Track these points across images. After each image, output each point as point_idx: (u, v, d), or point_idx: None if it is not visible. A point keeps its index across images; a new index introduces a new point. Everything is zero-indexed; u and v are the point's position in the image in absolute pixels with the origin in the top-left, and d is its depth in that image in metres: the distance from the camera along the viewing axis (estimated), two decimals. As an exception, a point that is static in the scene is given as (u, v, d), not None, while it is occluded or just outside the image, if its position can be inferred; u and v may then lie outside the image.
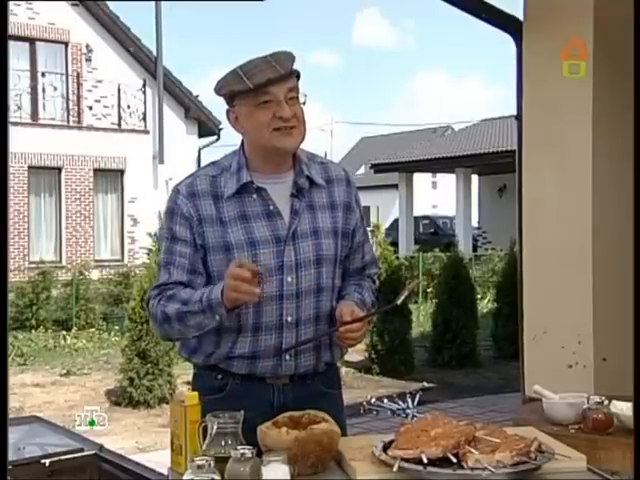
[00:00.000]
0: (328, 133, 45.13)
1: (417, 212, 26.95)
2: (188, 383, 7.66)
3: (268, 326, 2.15)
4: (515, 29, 4.79)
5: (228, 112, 2.21)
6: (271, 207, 2.17)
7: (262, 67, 2.10)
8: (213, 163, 2.28)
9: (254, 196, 2.17)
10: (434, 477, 1.67)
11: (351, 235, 2.28)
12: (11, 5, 15.75)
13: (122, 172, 18.64)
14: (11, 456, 1.94)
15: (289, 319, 2.16)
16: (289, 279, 2.15)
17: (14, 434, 2.16)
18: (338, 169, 2.33)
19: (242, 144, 2.25)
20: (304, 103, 2.19)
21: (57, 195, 17.98)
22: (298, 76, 2.19)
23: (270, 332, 2.16)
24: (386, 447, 1.80)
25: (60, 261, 17.32)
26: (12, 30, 15.97)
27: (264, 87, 2.09)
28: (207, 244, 2.15)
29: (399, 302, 2.26)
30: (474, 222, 26.31)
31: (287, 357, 2.17)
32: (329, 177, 2.28)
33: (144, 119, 18.92)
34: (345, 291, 2.29)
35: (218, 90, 2.17)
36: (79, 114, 18.24)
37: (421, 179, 31.85)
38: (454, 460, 1.69)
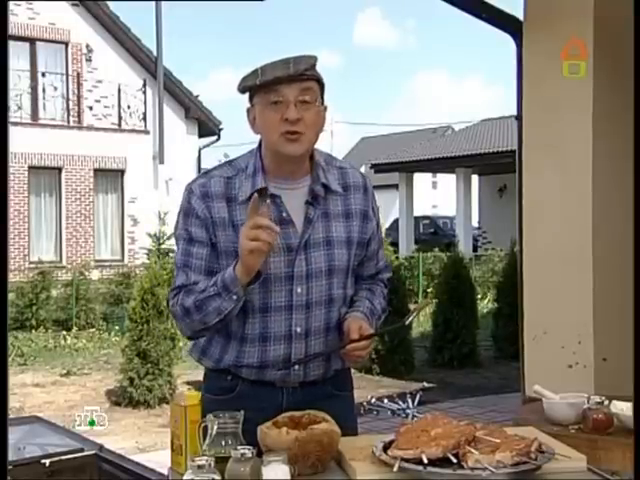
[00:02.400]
0: (328, 133, 45.10)
1: (417, 212, 26.96)
2: (188, 383, 7.72)
3: (277, 336, 2.12)
4: (515, 29, 4.79)
5: (248, 111, 2.17)
6: (284, 214, 2.12)
7: (276, 65, 2.06)
8: (229, 163, 2.22)
9: (268, 201, 2.10)
10: (434, 477, 1.67)
11: (366, 244, 2.24)
12: (11, 5, 15.75)
13: (122, 172, 18.64)
14: (11, 456, 1.94)
15: (298, 330, 2.13)
16: (299, 289, 2.12)
17: (14, 434, 2.16)
18: (356, 175, 2.26)
19: (259, 145, 2.20)
20: (325, 108, 2.15)
21: (57, 195, 17.98)
22: (320, 82, 2.13)
23: (279, 342, 2.13)
24: (386, 447, 1.80)
25: (60, 261, 17.33)
26: (12, 30, 15.97)
27: (273, 85, 2.06)
28: (219, 247, 2.12)
29: (407, 322, 2.26)
30: (474, 222, 26.32)
31: (296, 367, 2.15)
32: (346, 184, 2.22)
33: (144, 119, 18.92)
34: (356, 296, 2.26)
35: (237, 86, 2.14)
36: (79, 114, 18.24)
37: (421, 179, 31.86)
38: (454, 460, 1.68)
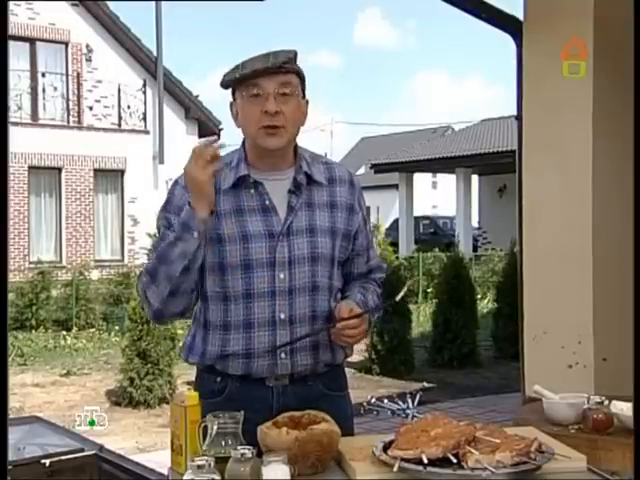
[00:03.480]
0: (328, 133, 45.10)
1: (417, 212, 26.95)
2: (188, 383, 7.71)
3: (260, 323, 2.12)
4: (515, 29, 4.79)
5: (231, 105, 2.20)
6: (266, 202, 2.15)
7: (255, 59, 2.10)
8: None
9: (251, 190, 2.15)
10: (434, 477, 1.67)
11: (353, 237, 2.25)
12: (11, 5, 15.75)
13: (122, 172, 18.65)
14: (11, 456, 1.94)
15: (282, 316, 2.13)
16: (281, 275, 2.13)
17: (14, 434, 2.16)
18: (342, 170, 2.29)
19: (244, 140, 2.23)
20: (306, 102, 2.19)
21: (57, 195, 17.98)
22: (300, 75, 2.16)
23: (263, 329, 2.13)
24: (386, 447, 1.80)
25: (60, 261, 17.33)
26: (12, 30, 15.97)
27: (251, 79, 2.09)
28: None
29: (398, 299, 2.27)
30: (474, 222, 26.31)
31: (282, 355, 2.14)
32: (332, 177, 2.25)
33: (144, 119, 18.93)
34: (348, 292, 2.27)
35: (220, 82, 2.17)
36: (79, 114, 18.25)
37: (421, 179, 31.85)
38: (454, 460, 1.68)
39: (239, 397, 2.14)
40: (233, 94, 2.18)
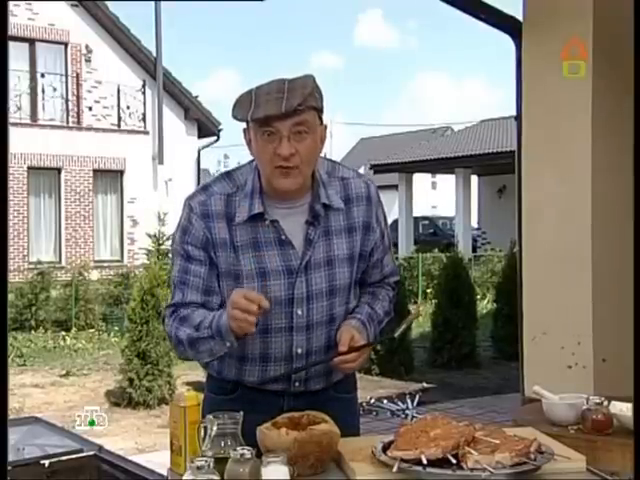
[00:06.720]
0: (328, 134, 45.01)
1: (417, 213, 26.96)
2: (188, 384, 7.71)
3: (277, 357, 2.12)
4: (514, 29, 4.78)
5: (244, 131, 2.10)
6: (282, 237, 2.07)
7: (270, 98, 1.97)
8: (228, 175, 2.16)
9: (267, 222, 2.08)
10: (434, 478, 1.67)
11: (369, 255, 2.19)
12: (11, 5, 15.74)
13: (122, 173, 18.65)
14: (11, 457, 1.94)
15: (299, 351, 2.12)
16: (299, 312, 2.09)
17: (14, 435, 2.16)
18: (359, 186, 2.17)
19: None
20: (325, 128, 2.09)
21: (57, 196, 17.98)
22: (317, 107, 2.04)
23: (279, 363, 2.12)
24: (385, 448, 1.79)
25: (60, 262, 17.32)
26: (12, 31, 15.97)
27: (264, 121, 2.00)
28: (220, 269, 2.10)
29: (396, 335, 2.26)
30: (474, 223, 26.31)
31: (297, 384, 2.15)
32: (348, 196, 2.15)
33: (144, 120, 18.93)
34: (358, 302, 2.24)
35: (232, 111, 2.06)
36: (79, 115, 18.24)
37: (421, 179, 31.84)
38: (454, 461, 1.68)
39: (251, 398, 2.14)
40: (246, 122, 2.07)
